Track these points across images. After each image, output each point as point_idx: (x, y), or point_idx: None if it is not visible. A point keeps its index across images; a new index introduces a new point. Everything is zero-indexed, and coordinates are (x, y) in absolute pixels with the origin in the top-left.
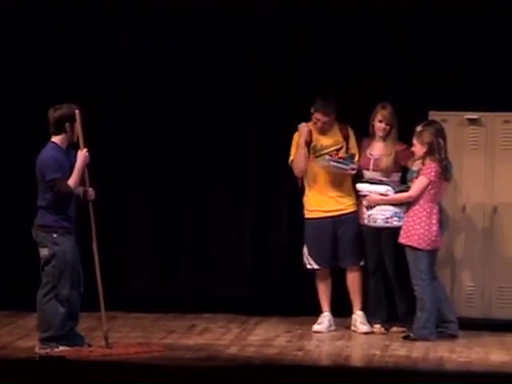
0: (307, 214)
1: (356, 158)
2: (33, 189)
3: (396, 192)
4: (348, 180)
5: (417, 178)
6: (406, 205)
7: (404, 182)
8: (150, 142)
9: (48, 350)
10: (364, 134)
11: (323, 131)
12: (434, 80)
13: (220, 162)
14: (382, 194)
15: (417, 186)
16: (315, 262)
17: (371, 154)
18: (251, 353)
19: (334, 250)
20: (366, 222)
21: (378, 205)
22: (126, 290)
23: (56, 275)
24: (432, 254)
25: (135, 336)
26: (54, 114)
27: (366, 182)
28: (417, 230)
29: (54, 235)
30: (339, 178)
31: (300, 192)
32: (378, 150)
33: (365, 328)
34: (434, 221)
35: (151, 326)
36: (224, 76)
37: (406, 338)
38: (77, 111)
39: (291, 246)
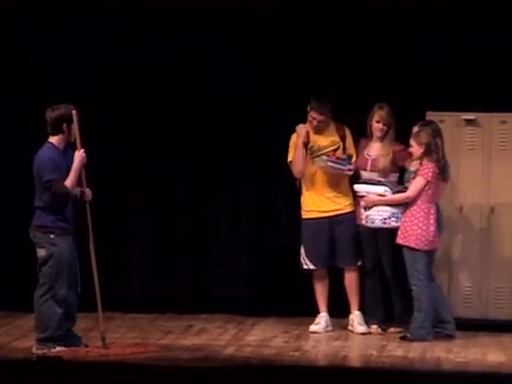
0: (304, 215)
1: (353, 159)
2: (32, 189)
3: (394, 192)
4: (345, 180)
5: (414, 178)
6: (404, 205)
7: (401, 183)
8: (149, 142)
9: (45, 351)
10: (364, 135)
11: (319, 130)
12: (434, 80)
13: (220, 162)
14: (379, 195)
15: (414, 186)
16: (311, 262)
17: (369, 155)
18: (248, 353)
19: (332, 250)
20: (363, 222)
21: (375, 205)
22: (123, 291)
23: (53, 276)
24: (430, 254)
25: (132, 336)
26: (51, 114)
27: (364, 182)
28: (414, 230)
29: (52, 236)
30: (336, 179)
31: (298, 192)
32: (375, 150)
33: (362, 329)
34: (432, 221)
35: (148, 326)
36: (224, 76)
37: (403, 338)
38: (74, 111)
39: (289, 246)
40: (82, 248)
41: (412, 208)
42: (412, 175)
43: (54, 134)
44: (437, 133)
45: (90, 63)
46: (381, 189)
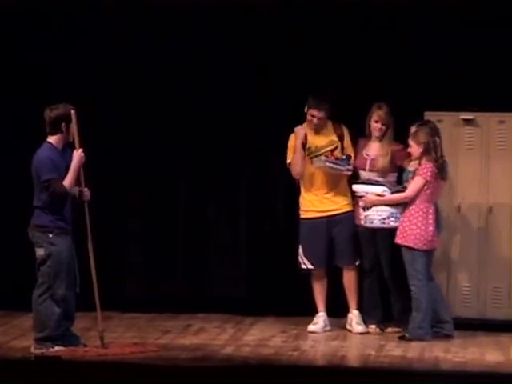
0: (302, 214)
1: (352, 160)
2: (32, 189)
3: (392, 192)
4: (344, 180)
5: (413, 178)
6: (403, 205)
7: (400, 183)
8: (149, 142)
9: (43, 350)
10: (363, 134)
11: (319, 128)
12: (434, 80)
13: (220, 162)
14: (378, 195)
15: (413, 186)
16: (310, 262)
17: (367, 155)
18: (246, 353)
19: (330, 249)
20: (362, 222)
21: (374, 205)
22: (121, 290)
23: (52, 275)
24: (428, 254)
25: (130, 336)
26: (49, 113)
27: (363, 182)
28: (413, 230)
29: (50, 235)
30: (335, 179)
31: (297, 192)
32: (374, 150)
33: (360, 328)
34: (431, 221)
35: (146, 326)
36: (224, 76)
37: (402, 338)
38: (72, 111)
39: (287, 246)
40: (81, 247)
41: (411, 208)
42: (411, 175)
43: (52, 134)
44: (435, 132)
45: (90, 63)
46: (379, 189)
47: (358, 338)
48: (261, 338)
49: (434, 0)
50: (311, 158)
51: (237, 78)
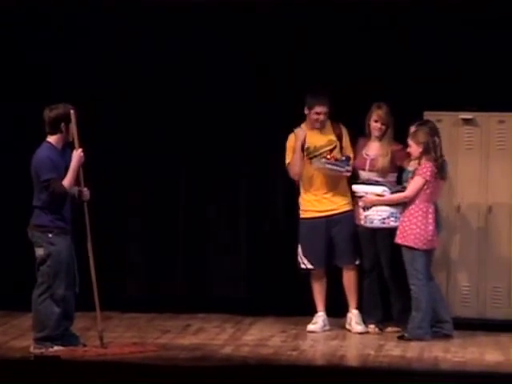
0: (301, 214)
1: (351, 161)
2: (32, 189)
3: (392, 192)
4: (343, 180)
5: (412, 178)
6: (403, 205)
7: (400, 183)
8: (149, 142)
9: (43, 350)
10: (363, 134)
11: (322, 126)
12: (434, 80)
13: (220, 162)
14: (378, 195)
15: (413, 186)
16: (309, 261)
17: (367, 155)
18: (246, 353)
19: (329, 249)
20: (362, 222)
21: (374, 205)
22: (121, 290)
23: (51, 275)
24: (428, 253)
25: (130, 336)
26: (49, 113)
27: (362, 182)
28: (413, 229)
29: (50, 235)
30: (334, 179)
31: (297, 192)
32: (374, 150)
33: (359, 328)
34: (430, 220)
35: (146, 325)
36: (224, 76)
37: (401, 337)
38: (72, 111)
39: (287, 246)
40: (81, 247)
41: (410, 207)
42: (410, 175)
43: (52, 134)
44: (434, 131)
45: (90, 63)
46: (379, 189)
47: (358, 338)
48: (260, 337)
49: (433, 0)
50: (310, 159)
51: (237, 78)
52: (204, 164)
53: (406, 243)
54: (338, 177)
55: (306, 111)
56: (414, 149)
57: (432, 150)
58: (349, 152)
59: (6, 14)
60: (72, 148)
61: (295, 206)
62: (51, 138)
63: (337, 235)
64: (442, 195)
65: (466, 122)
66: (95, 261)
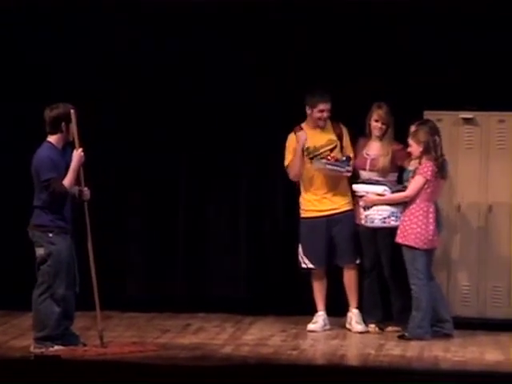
0: (302, 214)
1: (352, 161)
2: (32, 189)
3: (393, 192)
4: (344, 180)
5: (413, 177)
6: (403, 204)
7: (400, 182)
8: (149, 142)
9: (43, 350)
10: (362, 134)
11: (325, 124)
12: (434, 80)
13: (220, 162)
14: (378, 194)
15: (413, 185)
16: (310, 261)
17: (368, 154)
18: (246, 352)
19: (330, 249)
20: (363, 222)
21: (375, 205)
22: (121, 290)
23: (51, 275)
24: (429, 253)
25: (130, 335)
26: (49, 113)
27: (363, 182)
28: (414, 229)
29: (50, 235)
30: (334, 179)
31: (297, 192)
32: (374, 149)
33: (360, 328)
34: (431, 220)
35: (146, 325)
36: (224, 76)
37: (401, 337)
38: (72, 111)
39: (287, 246)
40: (81, 247)
41: (411, 207)
42: (411, 174)
43: (52, 133)
44: (434, 131)
45: (90, 63)
46: (380, 188)
47: (358, 337)
48: (260, 337)
49: (433, 0)
50: (310, 159)
51: (237, 78)
52: (204, 164)
53: (406, 243)
54: (338, 176)
55: (308, 110)
56: (415, 148)
57: (432, 149)
58: (349, 151)
59: (6, 14)
60: (72, 148)
61: (295, 206)
62: (52, 138)
63: (337, 235)
64: (442, 195)
65: (466, 121)
66: (95, 261)
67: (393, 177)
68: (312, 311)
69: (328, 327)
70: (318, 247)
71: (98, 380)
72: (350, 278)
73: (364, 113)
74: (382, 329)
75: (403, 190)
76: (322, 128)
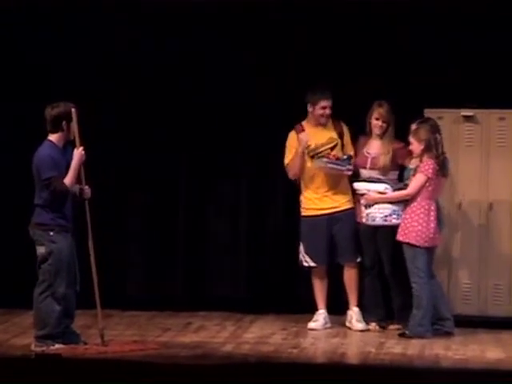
0: (303, 212)
1: (353, 160)
2: (32, 188)
3: (394, 190)
4: (344, 179)
5: (414, 175)
6: (405, 202)
7: (401, 180)
8: (149, 142)
9: (44, 348)
10: (363, 133)
11: (327, 121)
12: (434, 80)
13: (220, 162)
14: (380, 193)
15: (414, 183)
16: (311, 259)
17: (368, 153)
18: (246, 350)
19: (331, 247)
20: (364, 220)
21: (376, 203)
22: (121, 288)
23: (52, 273)
24: (430, 251)
25: (131, 334)
26: (50, 112)
27: (364, 180)
28: (415, 227)
29: (51, 233)
30: (335, 177)
31: (297, 192)
32: (375, 148)
33: (360, 326)
34: (432, 218)
35: (147, 323)
36: (224, 76)
37: (402, 335)
38: (73, 109)
39: (287, 246)
40: (82, 246)
41: (412, 205)
42: (412, 172)
43: (53, 132)
44: (435, 129)
45: (90, 63)
46: (381, 186)
47: (358, 336)
48: (261, 335)
49: (433, 0)
50: (311, 157)
51: (237, 78)
52: (204, 164)
53: (407, 240)
54: (339, 175)
55: (310, 108)
56: (416, 146)
57: (433, 147)
58: (350, 150)
59: (6, 14)
60: (73, 146)
61: (295, 206)
62: (52, 137)
63: (338, 233)
64: (443, 192)
65: (467, 119)
66: (96, 260)
67: (393, 175)
68: (312, 309)
69: (328, 325)
70: (318, 245)
71: (98, 378)
72: (350, 276)
73: (364, 111)
74: (383, 327)
75: (404, 188)
76: (324, 125)
